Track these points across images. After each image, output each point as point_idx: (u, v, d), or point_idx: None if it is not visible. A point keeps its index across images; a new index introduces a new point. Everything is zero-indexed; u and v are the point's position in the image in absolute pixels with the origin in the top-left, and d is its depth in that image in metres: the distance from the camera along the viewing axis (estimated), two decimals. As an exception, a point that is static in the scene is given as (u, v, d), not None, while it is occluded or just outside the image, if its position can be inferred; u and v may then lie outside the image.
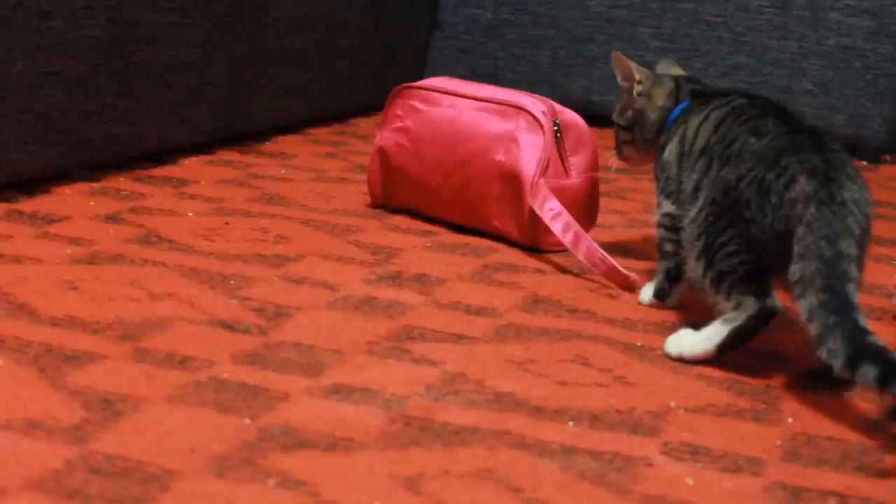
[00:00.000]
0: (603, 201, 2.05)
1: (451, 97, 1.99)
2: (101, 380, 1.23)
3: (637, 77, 1.74)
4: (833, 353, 1.28)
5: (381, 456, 1.13)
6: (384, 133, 2.05)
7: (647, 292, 1.67)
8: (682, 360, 1.47)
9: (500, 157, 1.90)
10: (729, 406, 1.33)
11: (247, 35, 2.40)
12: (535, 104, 1.92)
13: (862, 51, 2.99)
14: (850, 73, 3.00)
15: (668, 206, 1.62)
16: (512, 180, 1.88)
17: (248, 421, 1.17)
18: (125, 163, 2.16)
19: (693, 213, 1.51)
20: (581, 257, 1.78)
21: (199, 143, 2.36)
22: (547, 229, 1.84)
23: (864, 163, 3.00)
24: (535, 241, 1.88)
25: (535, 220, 1.86)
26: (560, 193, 1.86)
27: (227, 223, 1.87)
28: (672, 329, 1.56)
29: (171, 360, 1.30)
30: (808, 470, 1.19)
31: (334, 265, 1.71)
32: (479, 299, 1.62)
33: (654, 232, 1.67)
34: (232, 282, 1.59)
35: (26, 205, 1.85)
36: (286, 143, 2.56)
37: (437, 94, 2.01)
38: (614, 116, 1.78)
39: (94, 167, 2.09)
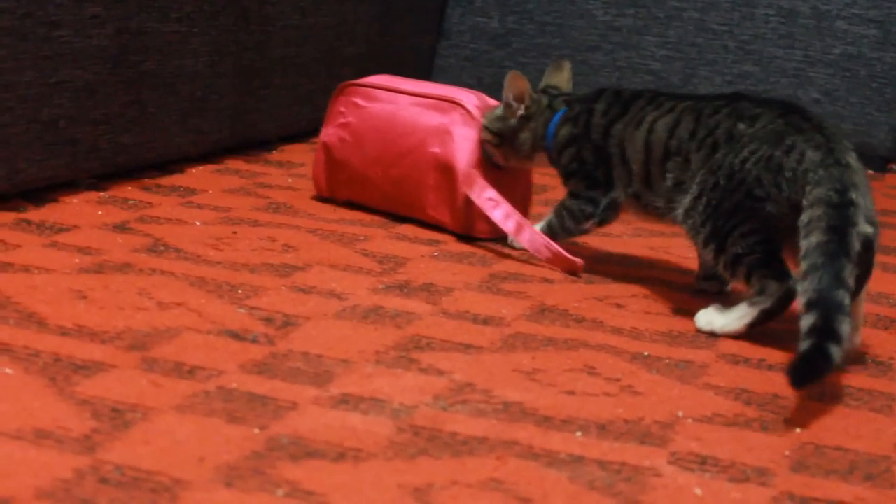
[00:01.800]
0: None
1: (391, 93, 2.08)
2: (110, 389, 1.23)
3: (527, 102, 1.90)
4: (802, 292, 1.42)
5: (390, 466, 1.13)
6: (328, 129, 2.14)
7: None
8: (712, 334, 1.60)
9: (436, 149, 1.99)
10: (737, 416, 1.33)
11: (254, 44, 2.40)
12: (470, 98, 2.01)
13: (868, 59, 3.00)
14: (857, 82, 3.01)
15: (615, 193, 1.80)
16: (446, 171, 1.97)
17: (256, 431, 1.17)
18: (133, 172, 2.17)
19: (687, 202, 1.63)
20: (525, 244, 1.87)
21: (206, 152, 2.36)
22: (480, 217, 1.95)
23: (871, 171, 3.00)
24: (468, 229, 1.98)
25: (468, 208, 1.96)
26: (494, 184, 1.95)
27: (234, 232, 1.87)
28: (678, 338, 1.57)
29: (180, 370, 1.30)
30: (817, 480, 1.19)
31: (342, 274, 1.71)
32: (486, 309, 1.62)
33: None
34: (240, 291, 1.59)
35: (34, 214, 1.85)
36: (293, 151, 2.57)
37: (377, 90, 2.10)
38: (485, 120, 1.94)
39: (101, 176, 2.09)
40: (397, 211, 2.07)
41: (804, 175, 1.51)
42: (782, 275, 1.55)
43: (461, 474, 1.13)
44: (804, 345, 1.37)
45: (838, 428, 1.32)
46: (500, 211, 1.91)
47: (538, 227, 1.89)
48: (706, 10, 3.10)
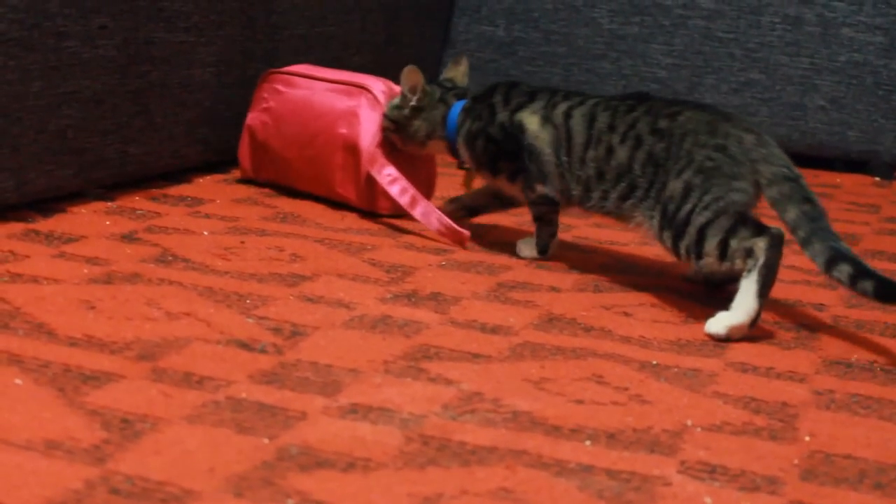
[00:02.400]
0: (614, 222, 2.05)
1: (309, 80, 2.24)
2: (119, 400, 1.24)
3: (419, 95, 2.03)
4: (817, 253, 1.60)
5: (399, 475, 1.13)
6: (253, 113, 2.29)
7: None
8: (729, 338, 1.61)
9: (344, 130, 2.14)
10: (745, 424, 1.33)
11: (261, 54, 2.41)
12: (377, 85, 2.16)
13: (874, 67, 3.00)
14: (863, 90, 3.01)
15: (541, 189, 1.89)
16: (353, 151, 2.13)
17: (266, 441, 1.17)
18: (140, 182, 2.17)
19: (639, 193, 1.74)
20: (418, 216, 2.02)
21: (214, 162, 2.36)
22: (382, 194, 2.10)
23: (877, 178, 3.00)
24: (371, 206, 2.13)
25: (372, 186, 2.11)
26: (399, 166, 2.09)
27: (242, 242, 1.87)
28: (687, 347, 1.57)
29: (189, 380, 1.31)
30: (826, 488, 1.19)
31: (350, 284, 1.72)
32: (494, 318, 1.62)
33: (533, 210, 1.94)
34: (248, 301, 1.59)
35: (42, 224, 1.86)
36: (300, 161, 2.57)
37: (297, 77, 2.25)
38: (385, 108, 2.09)
39: (109, 186, 2.10)
40: (311, 190, 2.22)
41: (747, 153, 1.68)
42: (761, 228, 1.63)
43: (471, 484, 1.13)
44: (868, 284, 1.56)
45: (847, 437, 1.32)
46: (397, 186, 2.06)
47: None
48: (712, 19, 3.10)
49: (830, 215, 1.70)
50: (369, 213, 2.13)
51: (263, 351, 1.42)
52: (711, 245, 1.65)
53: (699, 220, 1.66)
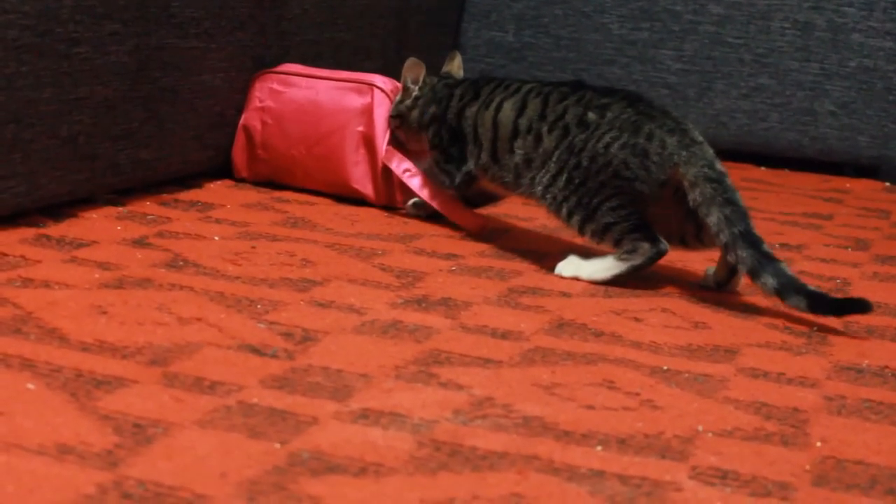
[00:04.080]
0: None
1: (307, 79, 2.30)
2: (131, 404, 1.24)
3: (420, 84, 2.14)
4: (742, 260, 1.71)
5: (411, 481, 1.13)
6: (247, 113, 2.33)
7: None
8: (576, 279, 1.85)
9: (361, 127, 2.21)
10: (757, 430, 1.33)
11: (271, 60, 2.41)
12: (385, 82, 2.24)
13: (884, 72, 2.99)
14: (873, 95, 3.00)
15: (468, 167, 2.04)
16: (370, 148, 2.20)
17: (277, 446, 1.18)
18: (151, 187, 2.18)
19: (545, 178, 1.87)
20: (437, 207, 2.11)
21: (224, 167, 2.37)
22: (400, 189, 2.19)
23: (887, 184, 2.99)
24: (390, 201, 2.22)
25: (388, 181, 2.20)
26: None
27: (253, 247, 1.88)
28: (697, 352, 1.57)
29: (201, 385, 1.31)
30: (838, 494, 1.19)
31: (360, 289, 1.72)
32: (505, 323, 1.62)
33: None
34: (259, 306, 1.60)
35: (54, 229, 1.86)
36: (310, 166, 2.57)
37: (295, 77, 2.31)
38: (391, 109, 2.18)
39: (120, 191, 2.10)
40: (320, 188, 2.27)
41: (669, 158, 1.77)
42: (653, 238, 1.80)
43: (482, 489, 1.13)
44: (802, 301, 1.68)
45: (859, 442, 1.32)
46: (416, 180, 2.14)
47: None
48: (722, 24, 3.10)
49: (840, 221, 1.70)
50: (379, 217, 2.14)
51: (274, 356, 1.42)
52: (610, 237, 1.83)
53: (606, 219, 1.82)
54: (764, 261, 1.70)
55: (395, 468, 1.15)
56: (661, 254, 1.81)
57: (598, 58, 3.19)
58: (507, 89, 1.99)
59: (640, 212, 1.81)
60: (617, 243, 1.82)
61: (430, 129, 2.10)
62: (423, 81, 2.15)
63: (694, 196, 1.74)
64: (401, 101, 2.16)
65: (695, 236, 1.84)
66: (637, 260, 1.81)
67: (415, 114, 2.13)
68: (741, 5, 3.08)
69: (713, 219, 1.72)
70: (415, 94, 2.14)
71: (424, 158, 2.17)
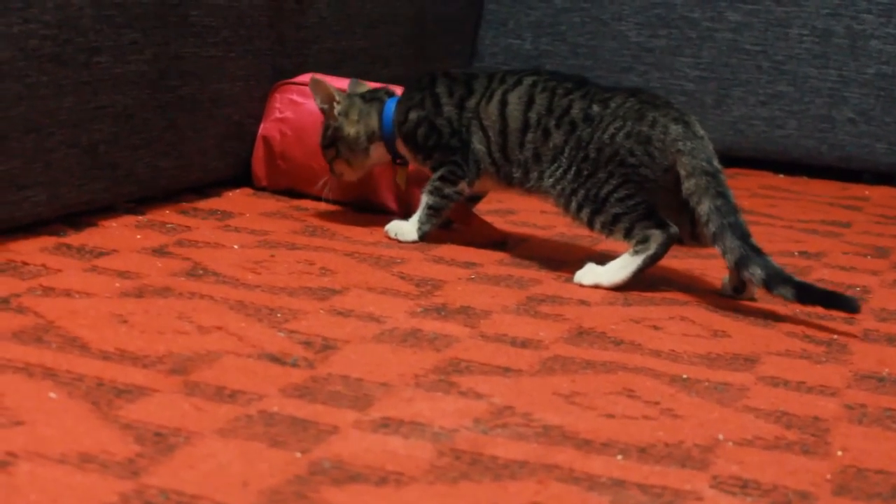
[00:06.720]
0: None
1: None
2: (152, 413, 1.24)
3: (336, 98, 2.07)
4: (729, 250, 1.74)
5: (432, 490, 1.13)
6: (266, 123, 2.34)
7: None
8: (597, 286, 1.85)
9: None
10: (777, 439, 1.33)
11: (290, 68, 2.42)
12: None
13: (903, 79, 2.99)
14: (892, 102, 3.00)
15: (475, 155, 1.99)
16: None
17: (298, 454, 1.18)
18: (171, 196, 2.18)
19: (557, 172, 1.87)
20: (456, 221, 2.12)
21: (243, 176, 2.38)
22: (418, 199, 2.11)
23: (907, 191, 2.99)
24: (411, 210, 2.14)
25: (409, 191, 2.18)
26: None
27: (272, 256, 1.88)
28: (717, 360, 1.57)
29: (221, 394, 1.31)
30: (859, 503, 1.19)
31: (379, 297, 1.72)
32: (524, 331, 1.62)
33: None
34: (279, 315, 1.60)
35: (74, 238, 1.87)
36: (328, 174, 2.57)
37: None
38: (321, 141, 2.10)
39: (140, 200, 2.11)
40: (339, 197, 2.24)
41: (672, 144, 1.81)
42: (663, 223, 1.81)
43: (502, 498, 1.13)
44: (789, 291, 1.71)
45: (880, 451, 1.32)
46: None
47: (413, 218, 2.04)
48: (739, 31, 3.10)
49: (859, 228, 1.70)
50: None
51: (295, 365, 1.42)
52: (620, 228, 1.83)
53: (614, 210, 1.83)
54: (751, 252, 1.72)
55: (415, 477, 1.15)
56: (673, 238, 1.82)
57: (616, 65, 3.20)
58: (505, 81, 1.97)
59: (648, 200, 1.83)
60: (627, 233, 1.83)
61: (417, 132, 2.02)
62: (339, 95, 2.07)
63: (688, 185, 1.78)
64: (325, 128, 2.09)
65: (689, 234, 1.85)
66: (651, 249, 1.82)
67: (353, 130, 2.05)
68: (759, 12, 3.08)
69: (704, 208, 1.76)
70: (337, 109, 2.06)
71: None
